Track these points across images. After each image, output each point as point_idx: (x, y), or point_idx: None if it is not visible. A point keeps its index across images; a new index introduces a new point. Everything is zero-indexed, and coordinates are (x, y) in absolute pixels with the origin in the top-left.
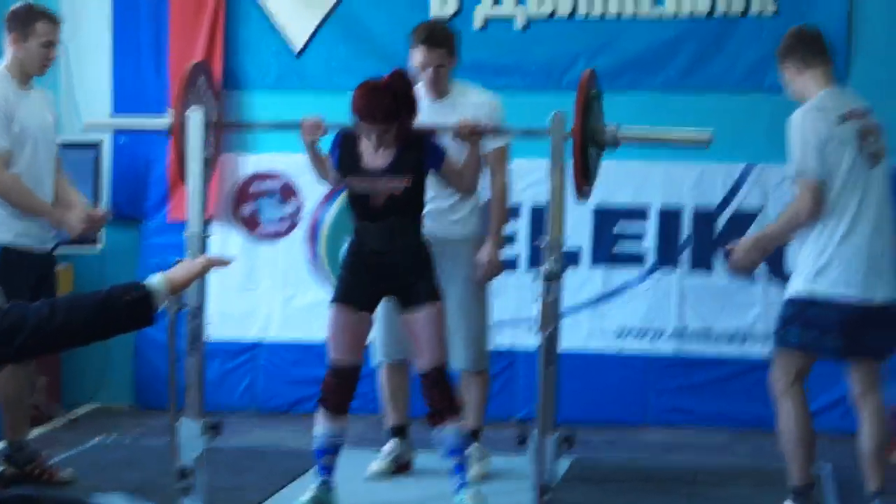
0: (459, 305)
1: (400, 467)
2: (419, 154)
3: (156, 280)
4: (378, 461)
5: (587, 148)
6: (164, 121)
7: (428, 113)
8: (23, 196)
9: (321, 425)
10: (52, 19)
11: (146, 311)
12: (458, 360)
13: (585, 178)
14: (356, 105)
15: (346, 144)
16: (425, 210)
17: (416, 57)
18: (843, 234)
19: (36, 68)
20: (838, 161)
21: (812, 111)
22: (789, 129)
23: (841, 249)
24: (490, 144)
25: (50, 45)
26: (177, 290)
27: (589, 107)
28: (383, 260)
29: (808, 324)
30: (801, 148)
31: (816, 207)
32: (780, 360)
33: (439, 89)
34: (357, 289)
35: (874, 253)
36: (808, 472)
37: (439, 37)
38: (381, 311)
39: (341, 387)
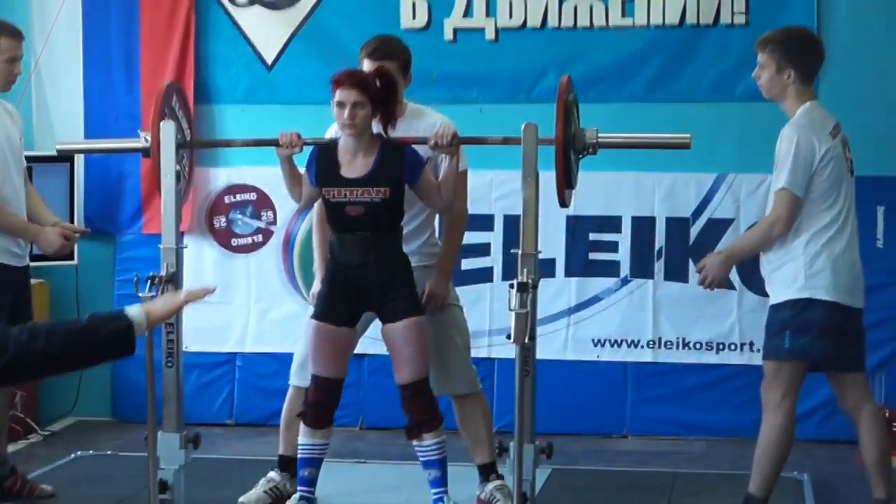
0: (435, 342)
1: (276, 501)
2: (398, 165)
3: (135, 311)
4: (255, 489)
5: (568, 153)
6: (137, 143)
7: None
8: (0, 214)
9: (302, 437)
10: (15, 34)
11: (126, 342)
12: (444, 386)
13: (567, 184)
14: (334, 76)
15: (323, 156)
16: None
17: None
18: (833, 244)
19: (0, 84)
20: (838, 175)
21: (806, 128)
22: (780, 142)
23: (833, 257)
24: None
25: (13, 60)
26: (155, 322)
27: (569, 112)
28: (360, 274)
29: (800, 328)
30: (792, 162)
31: (791, 222)
32: (772, 372)
33: None
34: (336, 304)
35: (855, 260)
36: (770, 487)
37: (388, 49)
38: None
39: (323, 400)
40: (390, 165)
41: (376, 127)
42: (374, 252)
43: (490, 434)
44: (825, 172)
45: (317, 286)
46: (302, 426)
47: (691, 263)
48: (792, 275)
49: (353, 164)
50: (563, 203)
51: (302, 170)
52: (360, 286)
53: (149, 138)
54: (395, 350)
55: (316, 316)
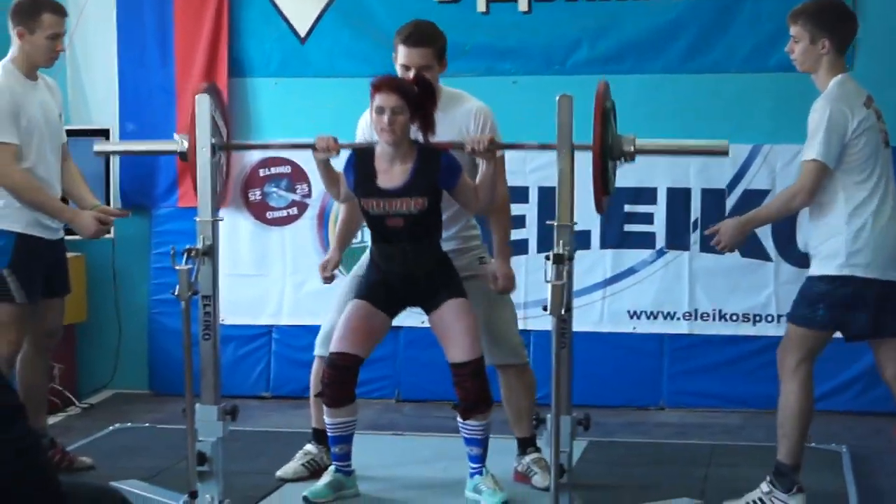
0: (482, 313)
1: (314, 473)
2: (434, 172)
3: None
4: (293, 462)
5: (606, 161)
6: (174, 145)
7: None
8: (35, 194)
9: (326, 417)
10: (59, 10)
11: None
12: (492, 356)
13: (605, 191)
14: (375, 81)
15: (360, 164)
16: None
17: (399, 58)
18: (876, 217)
19: (43, 61)
20: (874, 145)
21: (839, 99)
22: (812, 114)
23: (875, 232)
24: None
25: (57, 37)
26: None
27: (606, 119)
28: (402, 279)
29: (836, 303)
30: (825, 133)
31: (814, 194)
32: (795, 338)
33: None
34: (380, 291)
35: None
36: (798, 453)
37: (422, 35)
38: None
39: (337, 379)
40: (427, 173)
41: (414, 133)
42: (413, 261)
43: (532, 409)
44: (860, 143)
45: (326, 257)
46: (323, 406)
47: None
48: (834, 250)
49: (391, 174)
50: (601, 209)
51: (339, 169)
52: (404, 288)
53: (185, 142)
54: (446, 328)
55: (358, 295)
